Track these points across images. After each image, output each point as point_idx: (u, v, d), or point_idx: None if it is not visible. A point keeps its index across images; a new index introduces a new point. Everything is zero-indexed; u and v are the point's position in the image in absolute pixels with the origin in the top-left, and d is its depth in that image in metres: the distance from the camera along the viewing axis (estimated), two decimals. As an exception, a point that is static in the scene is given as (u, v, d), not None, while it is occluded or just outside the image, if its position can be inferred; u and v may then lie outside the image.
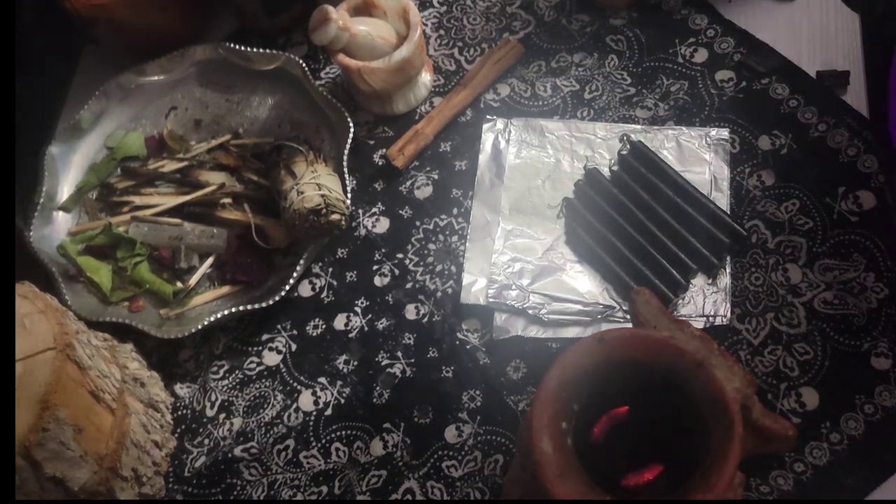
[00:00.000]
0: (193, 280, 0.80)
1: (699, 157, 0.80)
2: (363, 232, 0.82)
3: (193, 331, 0.74)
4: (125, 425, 0.67)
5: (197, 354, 0.79)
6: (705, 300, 0.73)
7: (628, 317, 0.71)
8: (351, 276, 0.80)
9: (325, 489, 0.71)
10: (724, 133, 0.81)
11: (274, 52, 0.88)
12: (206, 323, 0.74)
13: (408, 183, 0.84)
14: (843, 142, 0.78)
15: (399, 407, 0.73)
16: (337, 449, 0.72)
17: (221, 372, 0.77)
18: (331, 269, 0.81)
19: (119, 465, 0.66)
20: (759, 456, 0.62)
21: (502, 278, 0.76)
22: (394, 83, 0.84)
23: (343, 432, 0.73)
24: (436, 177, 0.84)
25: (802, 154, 0.79)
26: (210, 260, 0.81)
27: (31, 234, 0.81)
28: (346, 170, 0.80)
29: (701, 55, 0.86)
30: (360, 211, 0.83)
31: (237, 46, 0.89)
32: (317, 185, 0.76)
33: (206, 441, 0.74)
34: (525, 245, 0.78)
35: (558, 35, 0.90)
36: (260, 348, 0.78)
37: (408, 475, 0.70)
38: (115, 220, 0.82)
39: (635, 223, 0.76)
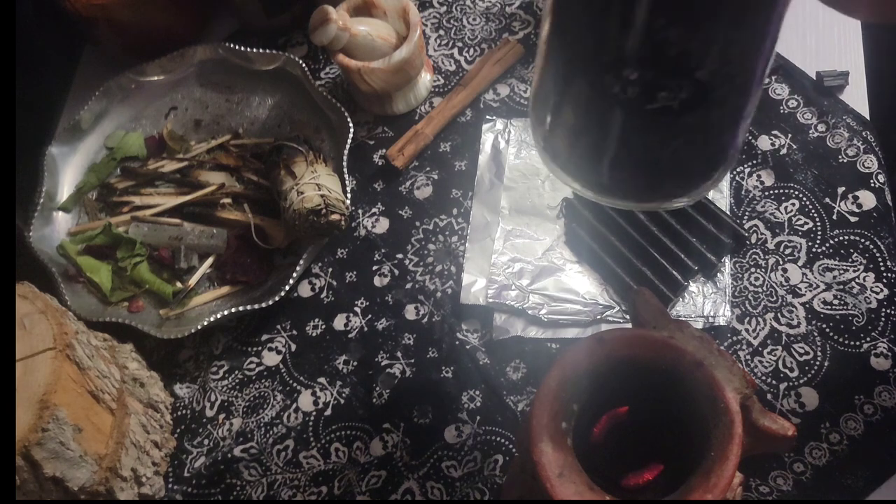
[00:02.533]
0: (193, 280, 0.80)
1: (699, 158, 0.80)
2: (363, 232, 0.82)
3: (193, 331, 0.74)
4: (125, 425, 0.67)
5: (197, 354, 0.79)
6: (705, 300, 0.73)
7: (628, 317, 0.71)
8: (351, 277, 0.80)
9: (324, 489, 0.71)
10: (724, 133, 0.81)
11: (274, 52, 0.88)
12: (205, 323, 0.74)
13: (408, 183, 0.84)
14: (843, 142, 0.79)
15: (399, 407, 0.73)
16: (336, 449, 0.72)
17: (221, 372, 0.77)
18: (330, 270, 0.81)
19: (118, 465, 0.66)
20: (758, 456, 0.62)
21: (502, 279, 0.76)
22: (394, 83, 0.84)
23: (343, 432, 0.73)
24: (436, 177, 0.84)
25: (802, 154, 0.79)
26: (210, 260, 0.81)
27: (31, 234, 0.81)
28: (345, 170, 0.80)
29: (701, 55, 0.86)
30: (360, 211, 0.84)
31: (237, 46, 0.89)
32: (317, 185, 0.76)
33: (206, 441, 0.74)
34: (525, 245, 0.78)
35: (558, 35, 0.90)
36: (259, 348, 0.78)
37: (407, 475, 0.70)
38: (115, 220, 0.82)
39: (635, 223, 0.76)
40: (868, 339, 0.70)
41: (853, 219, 0.75)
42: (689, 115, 0.38)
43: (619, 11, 0.36)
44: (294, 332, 0.78)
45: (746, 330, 0.72)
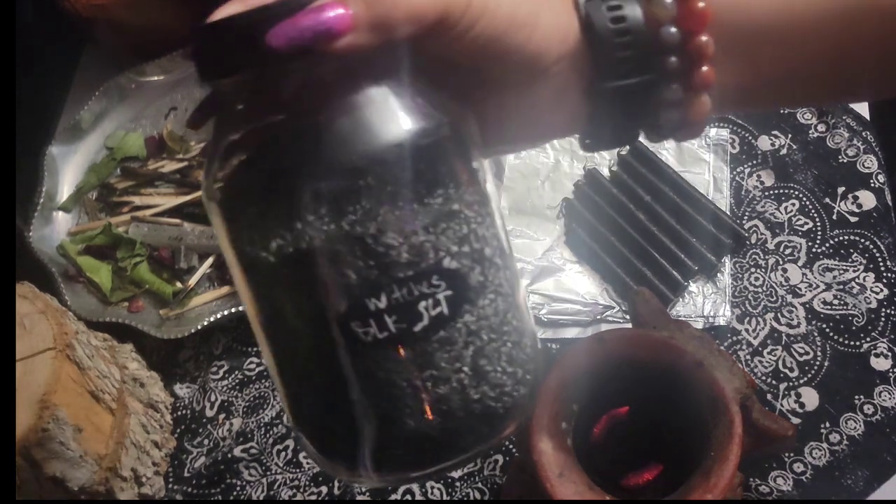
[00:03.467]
0: (193, 280, 0.80)
1: (698, 158, 0.80)
2: (363, 232, 0.82)
3: (193, 331, 0.74)
4: (125, 425, 0.67)
5: (197, 355, 0.79)
6: (705, 300, 0.73)
7: (628, 317, 0.71)
8: (351, 277, 0.80)
9: (324, 489, 0.71)
10: (724, 133, 0.81)
11: (274, 52, 0.88)
12: (205, 323, 0.74)
13: (408, 183, 0.84)
14: (843, 142, 0.79)
15: (399, 407, 0.73)
16: (337, 449, 0.72)
17: (221, 372, 0.77)
18: (331, 270, 0.81)
19: (119, 465, 0.66)
20: (758, 456, 0.62)
21: (502, 278, 0.76)
22: (394, 83, 0.84)
23: (343, 432, 0.73)
24: (436, 177, 0.84)
25: (802, 154, 0.79)
26: (210, 260, 0.81)
27: (31, 234, 0.81)
28: (345, 170, 0.80)
29: (701, 55, 0.86)
30: (360, 211, 0.83)
31: (237, 46, 0.89)
32: (317, 185, 0.76)
33: (206, 441, 0.74)
34: (524, 245, 0.78)
35: (558, 35, 0.90)
36: (259, 349, 0.78)
37: (407, 475, 0.70)
38: (115, 220, 0.82)
39: (635, 223, 0.76)
40: (868, 339, 0.70)
41: (853, 219, 0.75)
42: (464, 315, 0.32)
43: (323, 256, 0.30)
44: (294, 332, 0.78)
45: (746, 330, 0.72)
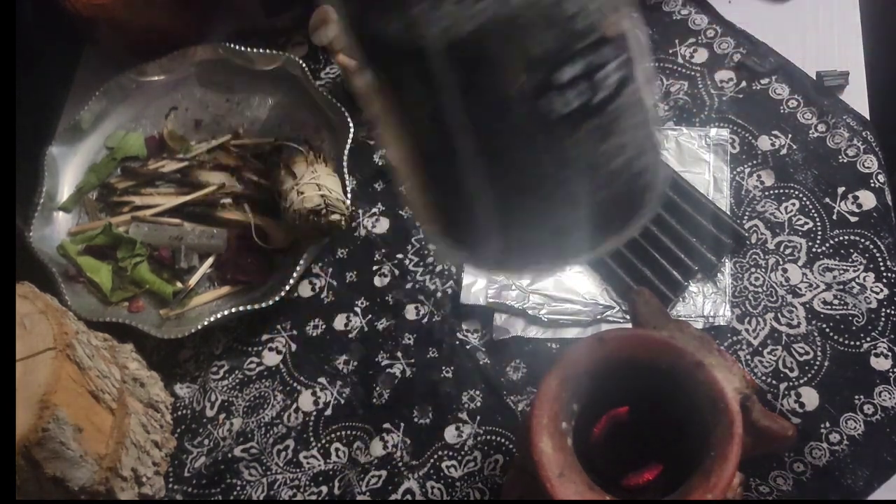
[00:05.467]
0: (193, 280, 0.80)
1: (699, 158, 0.80)
2: (363, 232, 0.82)
3: (193, 331, 0.74)
4: (125, 425, 0.67)
5: (197, 354, 0.79)
6: (705, 300, 0.73)
7: (628, 317, 0.71)
8: (351, 277, 0.80)
9: (324, 489, 0.71)
10: (724, 133, 0.81)
11: (274, 52, 0.88)
12: (206, 323, 0.74)
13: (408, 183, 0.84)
14: (843, 142, 0.79)
15: (399, 407, 0.73)
16: (336, 449, 0.72)
17: (221, 372, 0.77)
18: (331, 270, 0.81)
19: (119, 465, 0.66)
20: (758, 456, 0.62)
21: (502, 278, 0.76)
22: (394, 83, 0.84)
23: (343, 432, 0.73)
24: (436, 177, 0.84)
25: (802, 154, 0.79)
26: (210, 260, 0.81)
27: (31, 234, 0.81)
28: (346, 170, 0.80)
29: (701, 55, 0.86)
30: (361, 211, 0.83)
31: (237, 46, 0.89)
32: (317, 185, 0.76)
33: (206, 441, 0.74)
34: (525, 245, 0.78)
35: (558, 35, 0.90)
36: (260, 348, 0.78)
37: (408, 475, 0.70)
38: (115, 220, 0.82)
39: (635, 223, 0.76)
40: (868, 339, 0.70)
41: (853, 219, 0.75)
42: (629, 84, 0.34)
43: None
44: (294, 332, 0.78)
45: (746, 330, 0.72)
